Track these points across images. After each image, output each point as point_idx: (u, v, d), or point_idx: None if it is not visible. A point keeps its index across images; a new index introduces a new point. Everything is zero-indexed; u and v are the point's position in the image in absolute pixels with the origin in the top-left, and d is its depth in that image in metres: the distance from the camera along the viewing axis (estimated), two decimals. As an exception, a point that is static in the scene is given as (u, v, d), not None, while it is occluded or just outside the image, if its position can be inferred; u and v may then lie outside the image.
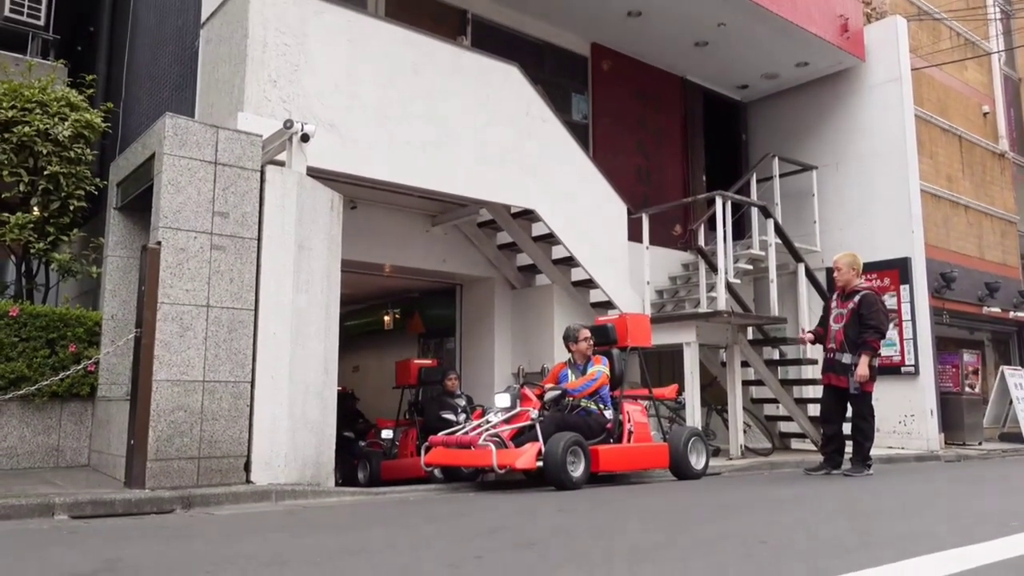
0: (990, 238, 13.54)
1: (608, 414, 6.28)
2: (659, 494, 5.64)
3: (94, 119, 6.69)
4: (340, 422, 6.13)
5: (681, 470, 6.47)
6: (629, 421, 6.39)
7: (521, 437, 5.73)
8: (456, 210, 8.41)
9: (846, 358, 6.57)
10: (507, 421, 5.82)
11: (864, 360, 6.43)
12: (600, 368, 6.27)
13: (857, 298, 6.61)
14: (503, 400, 6.05)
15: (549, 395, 6.06)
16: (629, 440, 6.33)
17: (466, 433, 5.88)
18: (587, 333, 6.57)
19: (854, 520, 4.10)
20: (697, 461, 6.58)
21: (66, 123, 6.41)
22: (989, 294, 12.73)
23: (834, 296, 6.97)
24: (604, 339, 6.62)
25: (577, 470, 5.56)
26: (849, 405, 6.68)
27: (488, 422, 5.91)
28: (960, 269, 12.10)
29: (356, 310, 13.28)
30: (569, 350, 6.60)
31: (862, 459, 6.61)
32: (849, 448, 6.76)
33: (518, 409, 5.92)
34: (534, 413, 5.79)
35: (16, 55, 7.84)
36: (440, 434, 6.01)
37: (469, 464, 5.82)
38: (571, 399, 6.14)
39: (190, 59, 6.96)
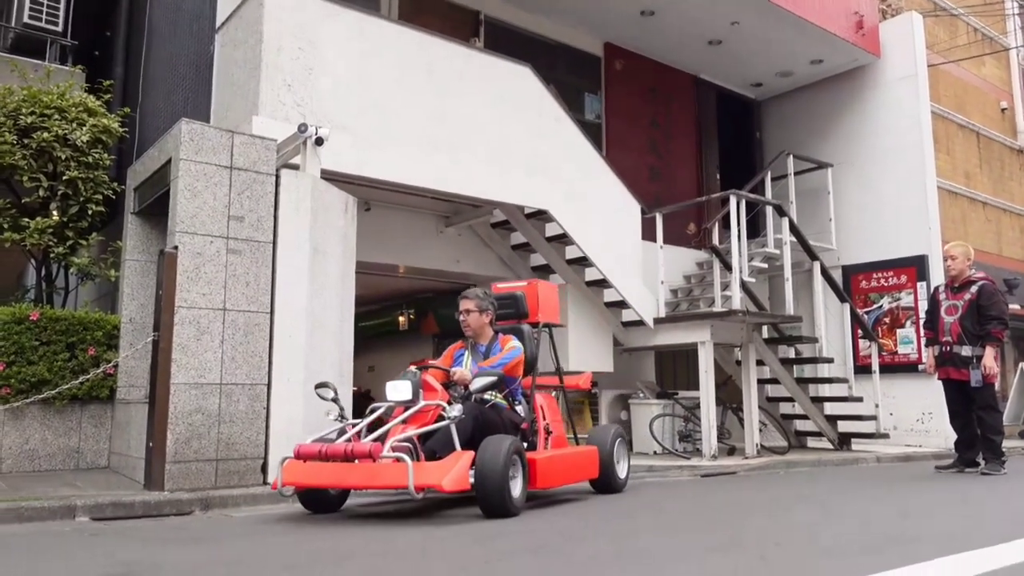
0: (1009, 235, 13.40)
1: (521, 410, 4.90)
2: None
3: (112, 124, 6.76)
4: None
5: (606, 481, 5.26)
6: (545, 418, 5.10)
7: (434, 439, 4.32)
8: (469, 211, 8.43)
9: (966, 350, 6.45)
10: (406, 420, 4.32)
11: (990, 352, 6.34)
12: (516, 346, 4.87)
13: (975, 289, 6.52)
14: (400, 390, 4.31)
15: (481, 382, 4.44)
16: (547, 444, 5.02)
17: (354, 439, 4.23)
18: (478, 302, 5.00)
19: (870, 521, 4.08)
20: (621, 468, 5.46)
21: (84, 128, 6.49)
22: (1008, 291, 12.60)
23: (941, 288, 6.85)
24: (511, 311, 5.30)
25: (516, 489, 4.18)
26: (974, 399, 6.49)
27: (382, 422, 4.45)
28: (979, 266, 11.98)
29: (371, 311, 13.34)
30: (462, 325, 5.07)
31: (996, 456, 6.43)
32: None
33: (422, 403, 4.32)
34: (454, 410, 4.23)
35: (35, 61, 7.94)
36: (311, 439, 4.27)
37: (366, 486, 4.12)
38: (469, 390, 4.57)
39: (206, 63, 7.02)
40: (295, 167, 5.71)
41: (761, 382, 9.09)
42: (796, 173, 10.73)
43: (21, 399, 5.47)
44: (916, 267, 10.40)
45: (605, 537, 3.71)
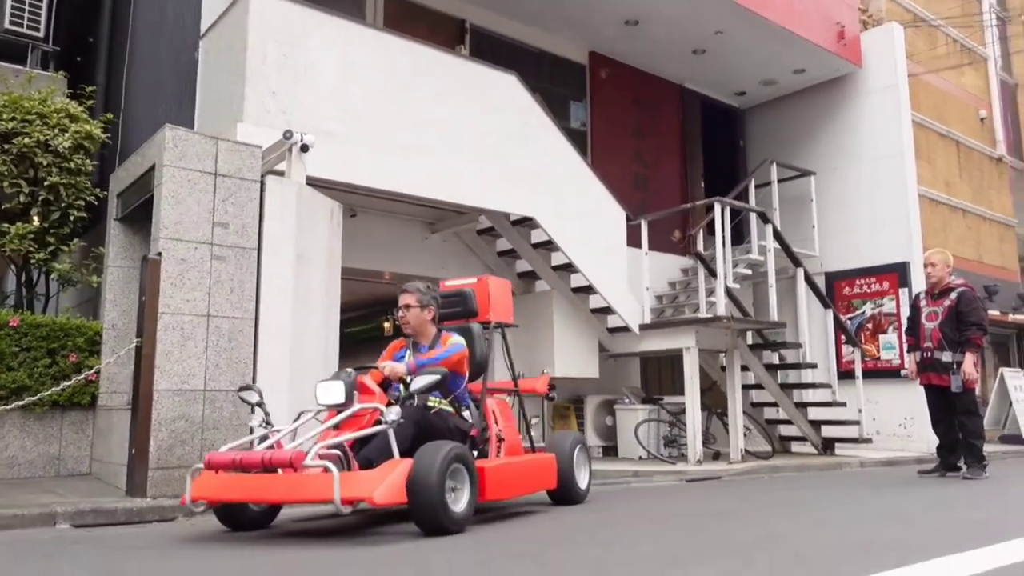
0: (988, 242, 13.58)
1: (469, 416, 4.47)
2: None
3: (94, 130, 6.72)
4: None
5: (566, 491, 4.91)
6: (497, 424, 4.65)
7: (370, 447, 3.88)
8: (455, 218, 8.44)
9: (946, 356, 6.51)
10: (338, 425, 3.83)
11: (970, 358, 6.40)
12: (458, 342, 4.40)
13: (954, 295, 6.59)
14: (332, 392, 3.84)
15: (421, 383, 3.90)
16: (500, 452, 4.57)
17: (277, 446, 3.77)
18: (419, 297, 4.51)
19: (855, 526, 4.11)
20: (581, 479, 5.09)
21: (66, 134, 6.45)
22: (988, 297, 12.76)
23: (922, 295, 6.92)
24: (459, 309, 4.91)
25: (460, 502, 3.73)
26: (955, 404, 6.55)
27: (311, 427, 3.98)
28: (959, 273, 12.12)
29: (356, 317, 13.30)
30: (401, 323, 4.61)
31: (977, 460, 6.47)
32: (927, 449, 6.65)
33: (357, 406, 3.86)
34: (391, 413, 3.70)
35: (16, 66, 7.88)
36: (226, 447, 3.84)
37: (287, 499, 3.71)
38: (410, 390, 4.02)
39: (190, 70, 6.99)
40: (280, 174, 5.70)
41: (746, 387, 9.14)
42: (780, 181, 10.82)
43: (1, 406, 5.41)
44: (898, 274, 10.51)
45: (580, 546, 3.71)
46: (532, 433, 5.28)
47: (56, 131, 6.43)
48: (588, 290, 8.50)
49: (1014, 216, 14.45)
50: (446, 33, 9.10)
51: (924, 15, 13.06)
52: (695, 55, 10.61)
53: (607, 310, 8.59)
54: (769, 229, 9.51)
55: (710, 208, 9.12)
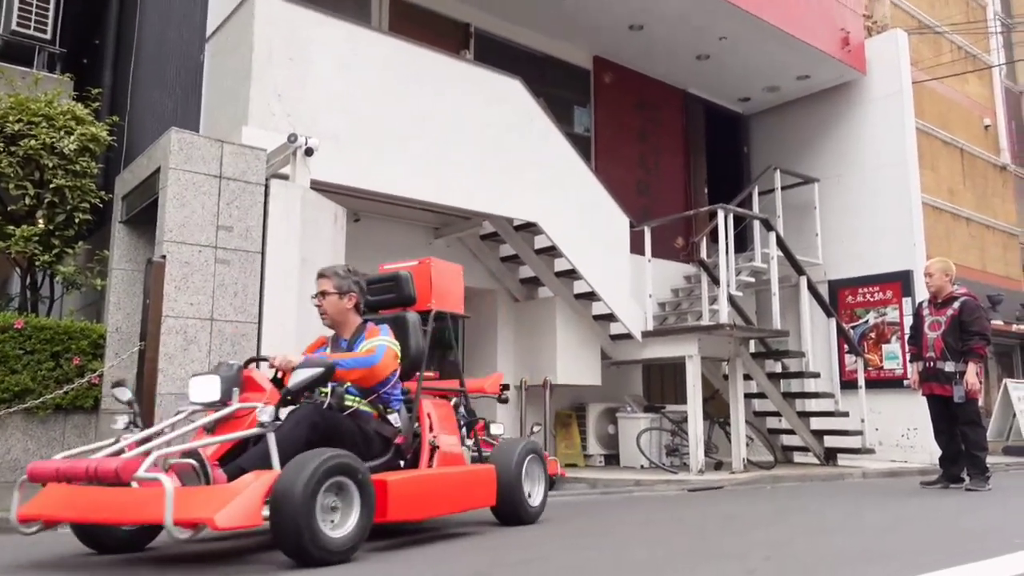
0: (992, 251, 13.56)
1: (396, 419, 3.87)
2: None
3: (99, 132, 6.73)
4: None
5: (511, 509, 4.24)
6: (432, 431, 4.04)
7: (246, 456, 3.27)
8: (459, 223, 8.44)
9: (949, 366, 6.47)
10: (212, 427, 3.28)
11: (972, 368, 6.36)
12: (382, 341, 3.75)
13: (957, 305, 6.55)
14: (204, 388, 3.29)
15: (298, 378, 3.28)
16: (432, 463, 3.96)
17: (117, 454, 3.07)
18: (337, 282, 3.92)
19: (857, 535, 4.09)
20: (535, 494, 4.45)
21: (72, 136, 6.46)
22: (992, 307, 12.73)
23: (925, 304, 6.89)
24: (393, 296, 4.31)
25: (344, 526, 3.08)
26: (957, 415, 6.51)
27: (167, 430, 3.30)
28: (963, 282, 12.10)
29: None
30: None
31: (980, 472, 6.43)
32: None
33: (236, 405, 3.27)
34: (265, 414, 3.10)
35: (23, 68, 7.90)
36: (60, 455, 3.16)
37: (116, 520, 3.08)
38: (330, 391, 3.59)
39: (195, 72, 7.01)
40: (284, 177, 5.70)
41: (748, 396, 9.12)
42: (783, 188, 10.82)
43: (3, 408, 5.41)
44: (901, 282, 10.49)
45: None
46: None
47: (62, 133, 6.45)
48: (591, 296, 8.50)
49: (1018, 225, 14.44)
50: (451, 37, 9.11)
51: (929, 22, 13.06)
52: (699, 60, 10.62)
53: (610, 317, 8.58)
54: (772, 236, 9.50)
55: (713, 215, 9.12)
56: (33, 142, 6.25)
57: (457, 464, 4.16)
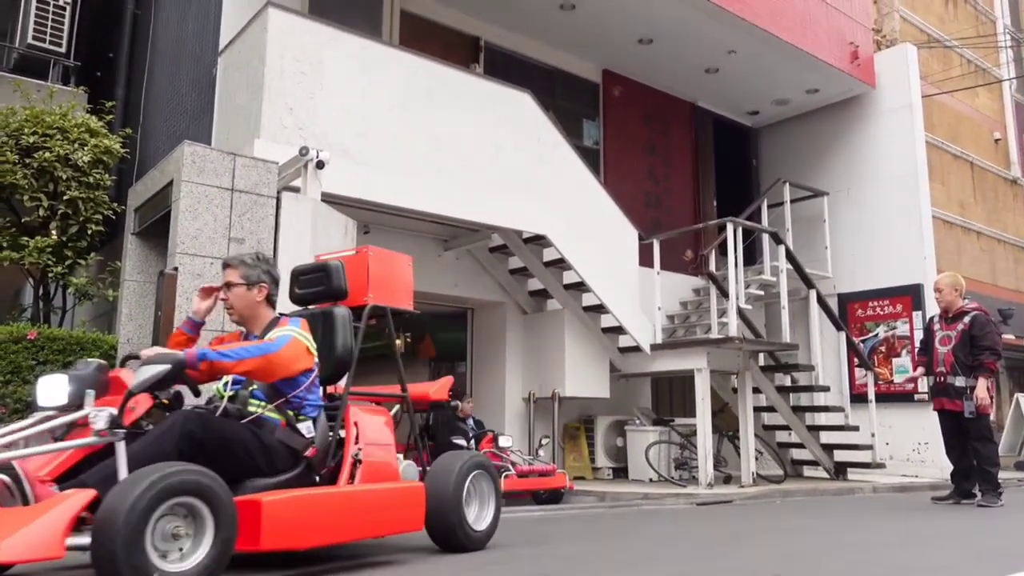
0: (1003, 265, 13.49)
1: (308, 428, 3.35)
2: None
3: (113, 145, 6.79)
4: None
5: (446, 533, 3.69)
6: (357, 443, 3.54)
7: (91, 472, 2.75)
8: (468, 235, 8.46)
9: (959, 381, 6.42)
10: (58, 433, 2.81)
11: (982, 383, 6.31)
12: (288, 331, 3.25)
13: (967, 319, 6.51)
14: (51, 391, 2.81)
15: (142, 376, 2.81)
16: (353, 479, 3.46)
17: None
18: (244, 271, 3.44)
19: (867, 551, 4.07)
20: (478, 517, 3.87)
21: (86, 149, 6.52)
22: (1003, 321, 12.64)
23: (936, 318, 6.85)
24: (321, 288, 3.83)
25: (193, 558, 2.58)
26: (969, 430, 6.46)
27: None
28: (973, 296, 12.05)
29: (367, 333, 13.30)
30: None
31: (992, 487, 6.37)
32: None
33: (88, 410, 2.74)
34: (100, 420, 2.65)
35: (38, 81, 7.99)
36: None
37: None
38: (230, 395, 3.24)
39: (208, 85, 7.07)
40: (296, 190, 5.73)
41: (757, 410, 9.08)
42: (792, 201, 10.81)
43: (16, 419, 5.43)
44: (912, 296, 10.45)
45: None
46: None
47: (76, 146, 6.51)
48: (600, 309, 8.50)
49: (1029, 239, 14.37)
50: (461, 51, 9.17)
51: (939, 36, 13.06)
52: (708, 74, 10.65)
53: (618, 330, 8.57)
54: (782, 250, 9.49)
55: (722, 228, 9.11)
56: (48, 154, 6.31)
57: (389, 480, 3.61)
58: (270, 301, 3.52)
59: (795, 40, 9.83)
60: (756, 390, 8.80)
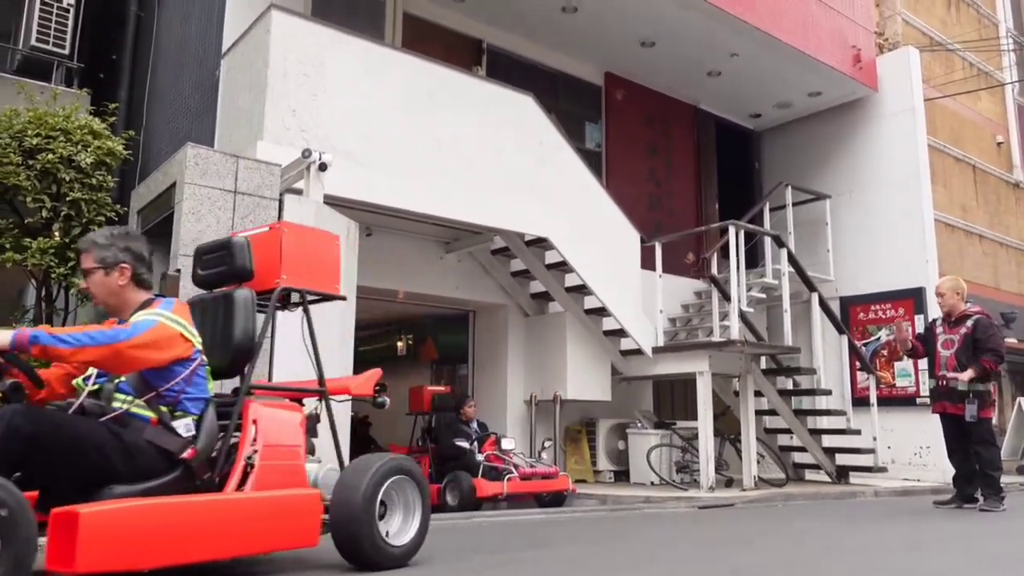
0: (1005, 268, 13.47)
1: (186, 426, 2.96)
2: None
3: (116, 147, 6.79)
4: (353, 448, 6.14)
5: (353, 548, 3.20)
6: (254, 444, 3.13)
7: None
8: (470, 237, 8.47)
9: (961, 385, 6.42)
10: None
11: (971, 372, 6.32)
12: (151, 315, 2.90)
13: (970, 323, 6.51)
14: None
15: None
16: (243, 485, 3.05)
17: None
18: (98, 254, 3.00)
19: (869, 555, 4.06)
20: (401, 529, 3.41)
21: (89, 150, 6.51)
22: (1005, 324, 12.62)
23: (938, 321, 6.84)
24: (224, 268, 3.46)
25: None
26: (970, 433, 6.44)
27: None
28: (975, 299, 12.04)
29: (369, 335, 13.33)
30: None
31: (995, 492, 6.36)
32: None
33: None
34: None
35: (41, 83, 7.99)
36: None
37: None
38: (94, 388, 2.91)
39: (211, 87, 7.08)
40: (298, 192, 5.74)
41: (759, 413, 9.08)
42: (794, 204, 10.80)
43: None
44: (914, 299, 10.43)
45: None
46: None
47: (79, 147, 6.50)
48: (601, 312, 8.50)
49: (1031, 242, 14.35)
50: (463, 53, 9.18)
51: (941, 39, 13.06)
52: (710, 77, 10.65)
53: (620, 332, 8.57)
54: (784, 253, 9.48)
55: (724, 231, 9.11)
56: (51, 156, 6.31)
57: (294, 487, 3.20)
58: (139, 282, 3.05)
59: (797, 43, 9.83)
60: (758, 393, 8.79)
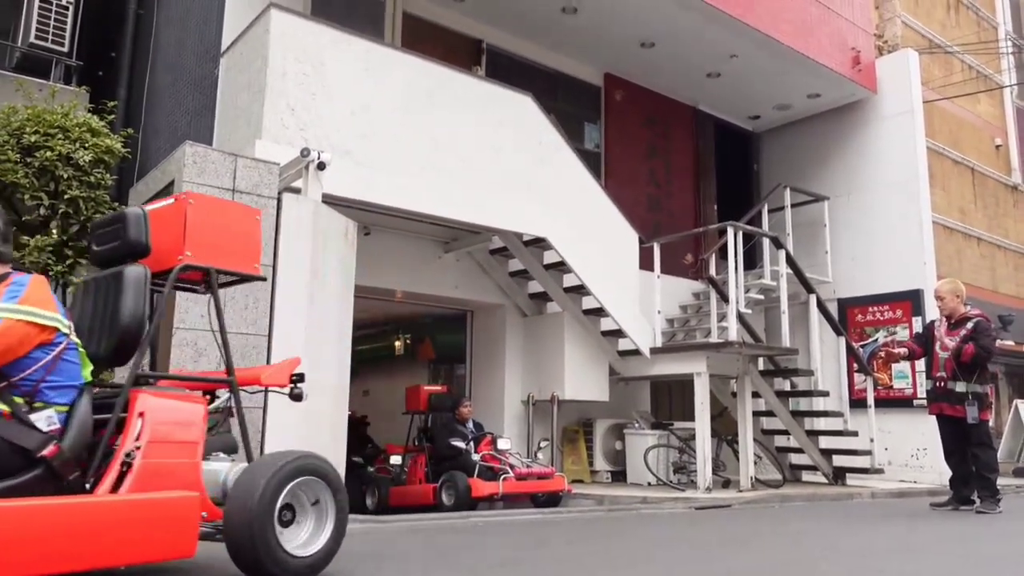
0: (1003, 271, 13.49)
1: (47, 420, 2.67)
2: None
3: (114, 145, 6.78)
4: (349, 447, 6.14)
5: (249, 559, 2.84)
6: (139, 439, 2.79)
7: None
8: (468, 237, 8.47)
9: (960, 386, 6.43)
10: None
11: (952, 339, 6.39)
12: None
13: (970, 325, 6.51)
14: None
15: None
16: (119, 487, 2.71)
17: None
18: None
19: (865, 557, 4.06)
20: (310, 538, 3.05)
21: (87, 148, 6.51)
22: (1003, 327, 12.65)
23: (938, 322, 6.85)
24: (118, 243, 3.15)
25: None
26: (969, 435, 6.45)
27: None
28: (973, 302, 12.05)
29: (367, 335, 13.32)
30: None
31: (991, 494, 6.37)
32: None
33: None
34: None
35: (40, 80, 7.98)
36: None
37: None
38: None
39: (210, 86, 7.08)
40: (297, 191, 5.74)
41: (756, 414, 9.08)
42: (793, 205, 10.81)
43: (14, 418, 5.43)
44: (911, 301, 10.44)
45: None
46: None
47: (77, 145, 6.49)
48: (599, 312, 8.50)
49: (1029, 245, 14.37)
50: (463, 53, 9.18)
51: (940, 42, 13.07)
52: (710, 78, 10.66)
53: (618, 333, 8.57)
54: (782, 254, 9.49)
55: (723, 232, 9.12)
56: (49, 153, 6.30)
57: (183, 488, 2.84)
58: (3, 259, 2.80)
59: (796, 45, 9.84)
60: (755, 394, 8.80)
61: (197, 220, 3.24)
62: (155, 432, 2.84)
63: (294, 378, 3.48)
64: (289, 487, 2.93)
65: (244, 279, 3.55)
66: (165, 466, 2.83)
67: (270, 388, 3.60)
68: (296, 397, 3.50)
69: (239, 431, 3.33)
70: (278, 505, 2.87)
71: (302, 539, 3.01)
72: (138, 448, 2.78)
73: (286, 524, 2.96)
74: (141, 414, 2.84)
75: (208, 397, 3.31)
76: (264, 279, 3.75)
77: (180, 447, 2.91)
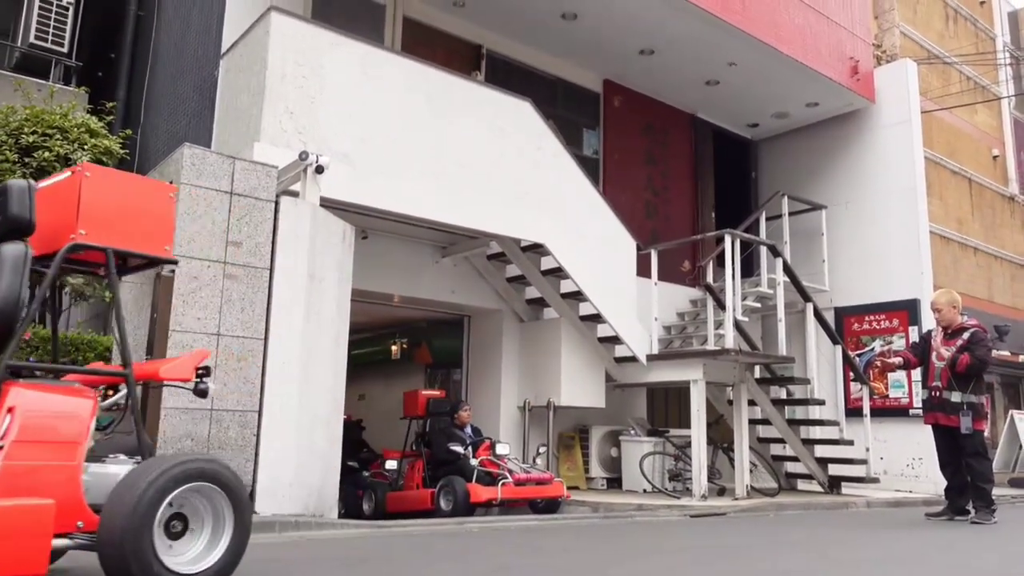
0: (999, 281, 13.52)
1: None
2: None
3: (113, 146, 6.78)
4: (345, 451, 6.12)
5: (124, 571, 2.51)
6: (4, 437, 2.52)
7: None
8: (466, 242, 8.47)
9: (955, 396, 6.42)
10: None
11: (945, 345, 6.40)
12: None
13: (967, 335, 6.51)
14: None
15: None
16: None
17: None
18: None
19: (860, 567, 4.06)
20: (203, 552, 2.76)
21: (86, 149, 6.50)
22: (999, 337, 12.67)
23: (934, 332, 6.85)
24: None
25: None
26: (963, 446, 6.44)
27: None
28: (969, 312, 12.06)
29: (364, 339, 13.31)
30: None
31: (986, 504, 6.35)
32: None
33: None
34: None
35: (39, 80, 7.99)
36: None
37: None
38: None
39: (209, 88, 7.08)
40: (295, 194, 5.74)
41: (752, 422, 9.08)
42: (791, 214, 10.83)
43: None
44: (908, 311, 10.46)
45: None
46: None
47: (76, 146, 6.49)
48: (596, 319, 8.49)
49: (1026, 256, 14.41)
50: (463, 58, 9.19)
51: (938, 52, 13.12)
52: (708, 86, 10.68)
53: (615, 339, 8.57)
54: (779, 262, 9.49)
55: (720, 240, 9.12)
56: (47, 154, 6.30)
57: (63, 494, 2.56)
58: None
59: (795, 53, 9.86)
60: (751, 402, 8.79)
61: (94, 195, 2.93)
62: (25, 430, 2.54)
63: (200, 372, 3.18)
64: (175, 493, 2.64)
65: (152, 262, 3.24)
66: (33, 468, 2.53)
67: (170, 383, 3.26)
68: (201, 393, 3.20)
69: (136, 429, 2.96)
70: (158, 514, 2.57)
71: (193, 554, 2.72)
72: (0, 448, 2.48)
73: (175, 536, 2.70)
74: (10, 409, 2.55)
75: (103, 392, 3.08)
76: (175, 262, 3.50)
77: (55, 447, 2.61)
